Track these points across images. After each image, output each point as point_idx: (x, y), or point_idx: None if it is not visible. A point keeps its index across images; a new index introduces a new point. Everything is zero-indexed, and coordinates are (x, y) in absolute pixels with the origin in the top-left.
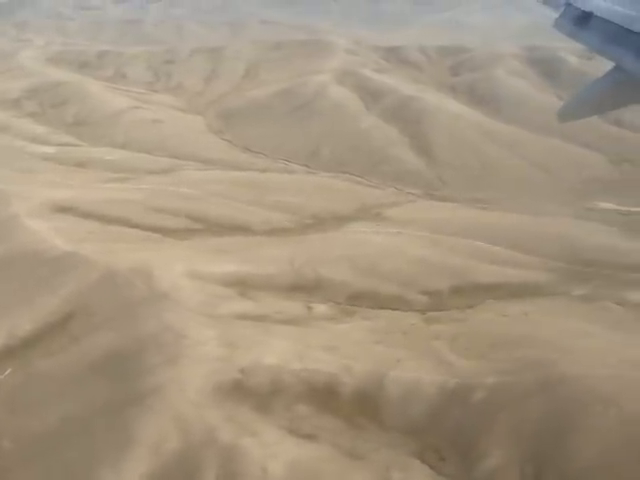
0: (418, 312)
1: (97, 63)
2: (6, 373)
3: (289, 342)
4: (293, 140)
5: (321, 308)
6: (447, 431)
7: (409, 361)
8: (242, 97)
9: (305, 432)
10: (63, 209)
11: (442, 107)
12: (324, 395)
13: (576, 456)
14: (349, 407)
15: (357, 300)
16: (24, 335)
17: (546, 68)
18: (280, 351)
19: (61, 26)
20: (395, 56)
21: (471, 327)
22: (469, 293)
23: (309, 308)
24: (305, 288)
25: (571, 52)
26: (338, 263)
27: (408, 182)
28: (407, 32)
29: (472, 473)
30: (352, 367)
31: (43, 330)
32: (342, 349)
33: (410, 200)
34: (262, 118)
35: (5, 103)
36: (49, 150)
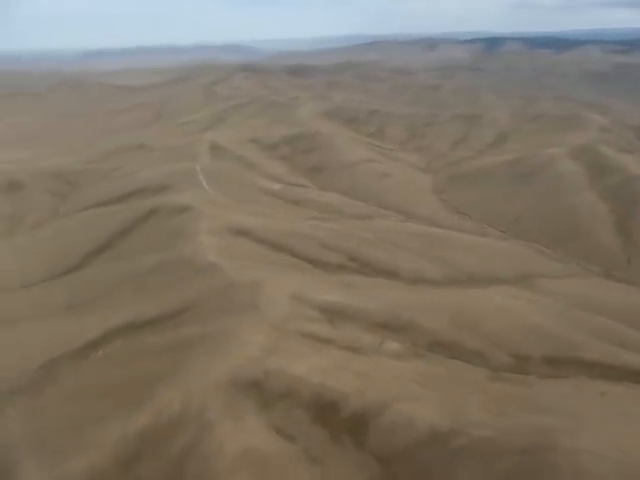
0: (490, 370)
1: (365, 119)
2: (117, 344)
3: (329, 362)
4: (502, 206)
5: (394, 346)
6: (415, 465)
7: (426, 402)
8: (478, 162)
9: (288, 432)
10: (243, 232)
11: None
12: (325, 409)
13: None
14: (342, 424)
15: (436, 347)
16: (145, 319)
17: None
18: (313, 366)
19: (367, 88)
20: None
21: (528, 394)
22: (563, 365)
23: (381, 343)
24: (393, 327)
25: None
26: (441, 314)
27: (595, 259)
28: None
29: None
30: (365, 392)
31: (160, 317)
32: (373, 378)
33: (582, 276)
34: (484, 183)
35: (265, 146)
36: (276, 187)
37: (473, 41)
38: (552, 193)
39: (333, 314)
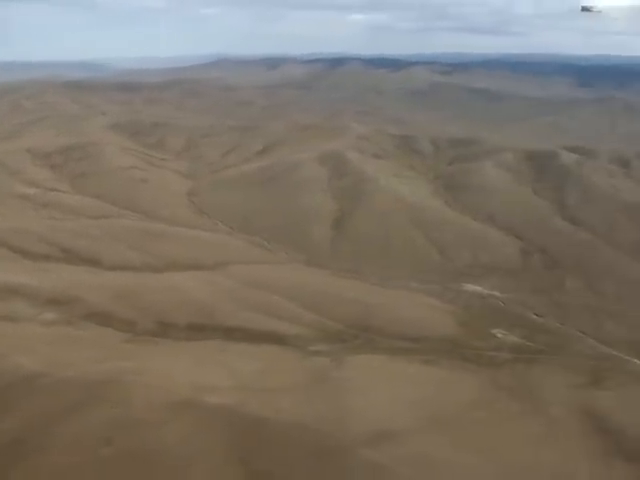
0: (133, 334)
1: (148, 131)
2: None
3: None
4: (241, 206)
5: (50, 316)
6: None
7: (40, 355)
8: (239, 169)
9: None
10: None
11: (390, 189)
12: None
13: None
14: None
15: (92, 317)
16: None
17: (538, 163)
18: None
19: (182, 103)
20: (406, 144)
21: (144, 350)
22: (206, 331)
23: (39, 314)
24: (59, 302)
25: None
26: (108, 291)
27: (305, 250)
28: (505, 131)
29: None
30: None
31: None
32: (6, 339)
33: (279, 263)
34: (237, 187)
35: (39, 155)
36: (31, 191)
37: (316, 61)
38: (289, 194)
39: (6, 292)
